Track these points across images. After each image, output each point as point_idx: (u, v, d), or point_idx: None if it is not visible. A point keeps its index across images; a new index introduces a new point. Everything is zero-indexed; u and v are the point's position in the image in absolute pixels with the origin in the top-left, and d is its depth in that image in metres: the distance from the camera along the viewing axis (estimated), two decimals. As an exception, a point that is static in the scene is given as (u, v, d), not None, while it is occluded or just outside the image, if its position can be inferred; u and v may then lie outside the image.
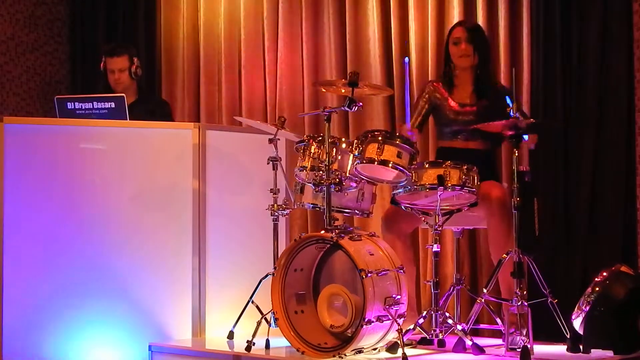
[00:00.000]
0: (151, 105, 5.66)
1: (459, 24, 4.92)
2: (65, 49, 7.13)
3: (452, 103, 4.77)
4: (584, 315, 4.18)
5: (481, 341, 4.27)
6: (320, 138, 4.34)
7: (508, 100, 4.28)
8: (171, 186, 4.95)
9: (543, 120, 4.80)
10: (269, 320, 4.37)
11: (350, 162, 4.28)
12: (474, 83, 4.77)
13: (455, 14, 5.39)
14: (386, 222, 4.68)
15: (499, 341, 4.36)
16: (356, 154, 4.23)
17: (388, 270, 4.05)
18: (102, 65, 5.65)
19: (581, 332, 4.19)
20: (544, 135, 4.96)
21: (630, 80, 4.88)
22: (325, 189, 4.22)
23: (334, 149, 4.28)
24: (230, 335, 4.63)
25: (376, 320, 3.94)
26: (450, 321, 4.24)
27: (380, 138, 4.20)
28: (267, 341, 4.35)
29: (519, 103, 4.93)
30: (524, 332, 4.02)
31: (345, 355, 3.99)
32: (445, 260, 5.30)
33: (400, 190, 4.30)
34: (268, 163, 4.62)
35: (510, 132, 4.17)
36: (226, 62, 6.46)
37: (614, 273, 4.28)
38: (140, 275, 4.83)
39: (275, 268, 4.23)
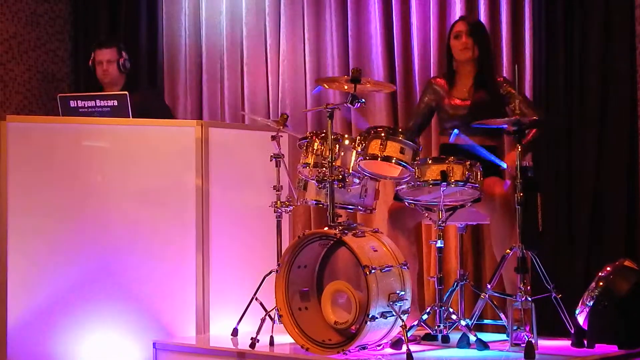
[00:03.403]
0: (139, 96, 5.62)
1: (460, 18, 4.96)
2: (67, 47, 7.13)
3: (452, 99, 4.78)
4: (588, 310, 4.18)
5: (485, 337, 4.28)
6: (323, 135, 4.34)
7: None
8: (174, 184, 4.95)
9: (545, 117, 4.78)
10: (273, 317, 4.38)
11: (353, 158, 4.28)
12: (474, 78, 4.78)
13: (457, 10, 5.39)
14: (392, 219, 4.68)
15: (503, 336, 4.36)
16: (359, 150, 4.23)
17: (392, 266, 4.06)
18: (90, 61, 5.66)
19: (585, 327, 4.19)
20: (546, 131, 4.97)
21: (632, 74, 4.87)
22: (328, 185, 4.22)
23: (337, 146, 4.28)
24: (234, 333, 4.63)
25: (380, 317, 3.94)
26: (454, 317, 4.25)
27: (383, 134, 4.20)
28: (271, 338, 4.35)
29: (524, 95, 4.92)
30: (528, 328, 4.03)
31: (350, 351, 3.99)
32: (449, 256, 5.30)
33: (403, 186, 4.30)
34: (271, 160, 4.63)
35: (513, 128, 4.18)
36: (228, 59, 6.46)
37: (618, 268, 4.28)
38: (143, 272, 4.84)
39: (278, 265, 4.24)
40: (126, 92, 5.16)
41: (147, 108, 5.27)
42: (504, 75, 5.12)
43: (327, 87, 4.70)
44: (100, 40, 5.75)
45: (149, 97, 5.66)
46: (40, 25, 6.96)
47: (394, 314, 3.98)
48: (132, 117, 5.03)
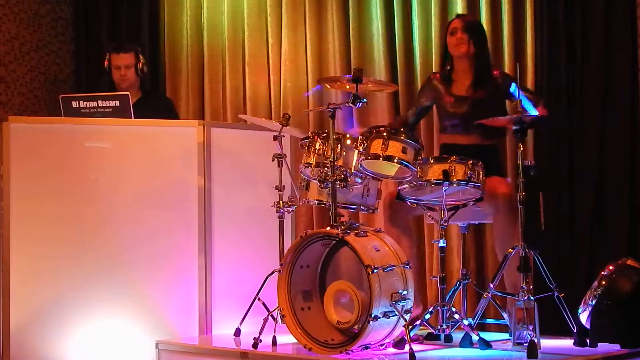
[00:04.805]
0: (155, 101, 5.67)
1: (456, 16, 4.98)
2: (69, 48, 7.14)
3: (450, 96, 4.78)
4: (590, 309, 4.18)
5: (488, 336, 4.27)
6: (324, 134, 4.34)
7: (513, 88, 4.26)
8: (176, 184, 4.95)
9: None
10: (275, 317, 4.38)
11: (355, 158, 4.28)
12: (472, 75, 4.78)
13: (458, 9, 5.39)
14: (390, 212, 4.67)
15: (506, 336, 4.37)
16: (361, 149, 4.23)
17: (394, 265, 4.05)
18: (106, 62, 5.65)
19: (588, 326, 4.19)
20: (548, 129, 4.98)
21: (634, 72, 4.87)
22: (330, 185, 4.22)
23: (339, 145, 4.28)
24: (237, 333, 4.63)
25: (383, 316, 3.94)
26: (456, 316, 4.24)
27: (385, 134, 4.20)
28: (274, 338, 4.36)
29: (525, 87, 4.92)
30: (531, 327, 4.03)
31: (352, 351, 3.99)
32: (451, 256, 5.30)
33: (405, 185, 4.30)
34: (273, 160, 4.63)
35: (515, 127, 4.18)
36: (230, 59, 6.46)
37: (620, 267, 4.28)
38: (146, 273, 4.84)
39: (281, 265, 4.24)
40: (127, 93, 5.17)
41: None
42: (506, 71, 5.11)
43: (328, 87, 4.70)
44: (118, 45, 5.72)
45: (161, 108, 5.63)
46: (42, 27, 6.96)
47: (397, 313, 3.98)
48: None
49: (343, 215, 4.29)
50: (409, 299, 4.06)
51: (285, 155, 4.65)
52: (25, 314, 4.70)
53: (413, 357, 3.84)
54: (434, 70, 5.45)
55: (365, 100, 4.26)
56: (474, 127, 4.60)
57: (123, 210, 4.86)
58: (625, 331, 4.13)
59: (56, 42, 7.06)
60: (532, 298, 4.05)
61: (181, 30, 6.70)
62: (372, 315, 3.90)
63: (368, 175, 4.32)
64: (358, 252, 3.99)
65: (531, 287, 4.09)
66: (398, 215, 4.67)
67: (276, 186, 4.66)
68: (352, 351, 3.99)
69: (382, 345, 4.10)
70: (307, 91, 4.43)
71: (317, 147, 4.34)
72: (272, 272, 4.47)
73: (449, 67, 4.85)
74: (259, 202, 4.98)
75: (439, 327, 4.24)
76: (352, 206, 4.46)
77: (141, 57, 5.64)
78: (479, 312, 4.32)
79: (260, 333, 4.32)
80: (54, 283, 4.73)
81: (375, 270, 3.94)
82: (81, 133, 4.88)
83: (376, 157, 4.19)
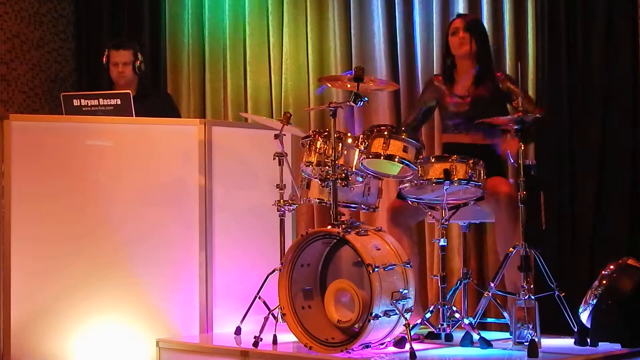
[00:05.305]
0: (153, 98, 5.66)
1: (457, 16, 4.98)
2: (70, 46, 7.14)
3: (452, 96, 4.78)
4: (591, 308, 4.18)
5: (488, 335, 4.27)
6: (326, 133, 4.34)
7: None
8: (177, 182, 4.95)
9: (547, 114, 4.78)
10: (276, 315, 4.38)
11: (356, 157, 4.28)
12: (474, 74, 4.78)
13: (459, 9, 5.39)
14: (392, 215, 4.68)
15: (507, 335, 4.36)
16: (362, 148, 4.23)
17: (395, 264, 4.06)
18: (104, 58, 5.66)
19: (588, 326, 4.19)
20: (550, 129, 4.97)
21: (635, 72, 4.87)
22: (331, 184, 4.22)
23: (340, 144, 4.28)
24: (238, 331, 4.64)
25: (383, 315, 3.94)
26: (457, 315, 4.25)
27: (386, 133, 4.21)
28: (275, 337, 4.36)
29: (526, 92, 4.92)
30: (531, 326, 4.03)
31: (353, 350, 3.99)
32: (452, 255, 5.30)
33: (406, 184, 4.30)
34: (274, 159, 4.63)
35: (516, 126, 4.18)
36: (231, 58, 6.46)
37: (621, 266, 4.28)
38: (147, 271, 4.84)
39: (282, 263, 4.24)
40: (129, 91, 5.17)
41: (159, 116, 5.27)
42: (507, 72, 5.11)
43: (330, 86, 4.70)
44: (116, 42, 5.74)
45: (160, 105, 5.64)
46: (44, 25, 6.96)
47: (397, 312, 3.98)
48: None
49: (344, 214, 4.29)
50: (409, 297, 4.06)
51: (286, 153, 4.65)
52: (25, 313, 4.69)
53: (414, 356, 3.84)
54: (435, 69, 5.46)
55: (366, 99, 4.26)
56: (476, 126, 4.60)
57: (123, 209, 4.86)
58: (626, 330, 4.13)
59: (57, 40, 7.05)
60: (532, 297, 4.05)
61: (182, 28, 6.69)
62: (373, 314, 3.91)
63: (369, 174, 4.32)
64: (359, 251, 3.99)
65: (532, 286, 4.09)
66: (400, 219, 4.68)
67: (277, 185, 4.66)
68: (352, 350, 3.99)
69: (382, 344, 4.10)
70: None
71: (318, 146, 4.34)
72: (273, 271, 4.47)
73: (450, 63, 4.84)
74: (260, 201, 4.98)
75: (439, 326, 4.24)
76: (353, 205, 4.46)
77: (139, 55, 5.66)
78: (480, 311, 4.32)
79: (260, 332, 4.32)
80: (54, 281, 4.73)
81: (376, 269, 3.94)
82: (82, 131, 4.88)
83: (377, 156, 4.19)
